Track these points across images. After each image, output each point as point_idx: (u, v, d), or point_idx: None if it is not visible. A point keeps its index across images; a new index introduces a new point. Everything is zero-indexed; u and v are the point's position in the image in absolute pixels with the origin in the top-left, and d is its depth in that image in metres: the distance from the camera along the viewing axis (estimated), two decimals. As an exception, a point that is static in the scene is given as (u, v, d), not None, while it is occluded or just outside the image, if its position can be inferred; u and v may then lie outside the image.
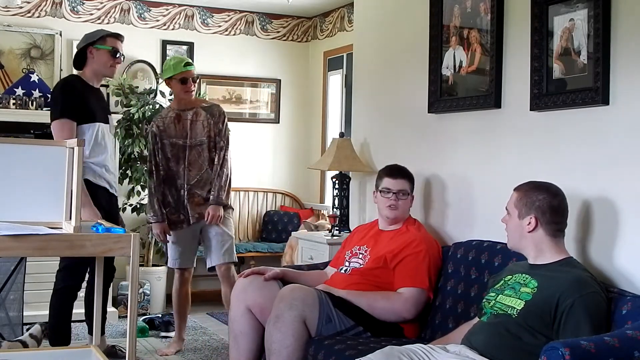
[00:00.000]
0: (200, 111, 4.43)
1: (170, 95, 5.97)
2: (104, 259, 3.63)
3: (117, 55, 3.92)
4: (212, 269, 4.52)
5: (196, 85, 4.46)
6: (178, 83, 4.38)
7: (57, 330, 3.86)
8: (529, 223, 2.67)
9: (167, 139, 4.40)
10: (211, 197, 4.38)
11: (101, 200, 3.81)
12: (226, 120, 4.49)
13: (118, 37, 3.98)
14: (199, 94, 6.38)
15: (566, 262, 2.64)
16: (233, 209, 4.70)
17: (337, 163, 4.37)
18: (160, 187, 4.41)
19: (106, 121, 3.96)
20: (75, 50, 5.86)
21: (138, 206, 5.88)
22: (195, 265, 4.64)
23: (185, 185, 4.39)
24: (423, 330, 3.33)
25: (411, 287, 3.25)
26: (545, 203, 2.66)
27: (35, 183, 2.64)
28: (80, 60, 3.95)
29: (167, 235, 4.43)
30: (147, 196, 4.55)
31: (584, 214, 2.89)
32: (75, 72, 4.15)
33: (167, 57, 6.36)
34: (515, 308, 2.56)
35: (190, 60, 4.48)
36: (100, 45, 3.89)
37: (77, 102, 3.80)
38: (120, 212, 4.88)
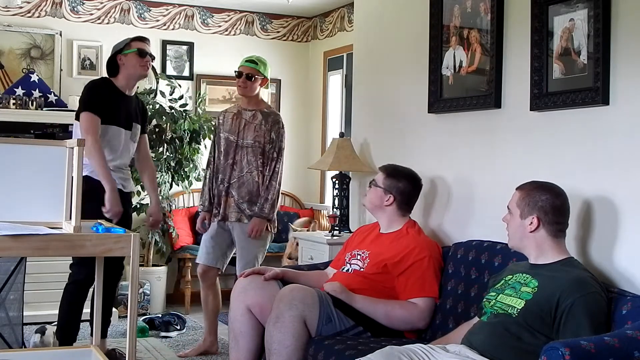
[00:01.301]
0: (258, 115, 4.42)
1: (171, 94, 6.00)
2: (112, 260, 3.64)
3: (145, 54, 4.02)
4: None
5: (248, 84, 4.39)
6: (236, 77, 4.44)
7: (65, 327, 3.88)
8: (531, 223, 2.66)
9: (223, 133, 4.44)
10: (256, 209, 4.33)
11: (101, 195, 3.82)
12: (282, 131, 4.42)
13: (143, 39, 4.09)
14: (199, 94, 6.39)
15: (567, 262, 2.64)
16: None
17: (337, 163, 4.37)
18: (210, 178, 4.48)
19: (128, 127, 4.02)
20: (75, 50, 6.00)
21: (138, 206, 5.87)
22: (211, 265, 4.48)
23: (225, 182, 4.39)
24: (423, 331, 3.33)
25: (423, 297, 3.26)
26: (548, 203, 2.66)
27: (35, 183, 2.64)
28: (113, 70, 4.06)
29: (204, 223, 4.45)
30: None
31: (584, 214, 2.89)
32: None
33: (167, 57, 6.41)
34: (515, 307, 2.56)
35: (253, 58, 4.46)
36: (127, 51, 4.01)
37: (99, 101, 3.89)
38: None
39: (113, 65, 4.06)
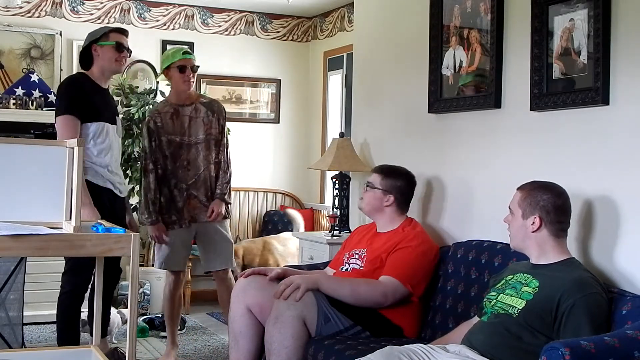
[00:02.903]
0: (200, 107, 4.22)
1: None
2: (110, 261, 3.62)
3: (122, 49, 3.82)
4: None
5: (195, 76, 4.22)
6: (176, 71, 4.13)
7: (65, 333, 3.83)
8: (533, 223, 2.66)
9: (165, 136, 4.14)
10: (217, 191, 4.19)
11: (105, 201, 3.75)
12: (225, 114, 4.31)
13: (121, 31, 3.88)
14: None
15: (568, 262, 2.64)
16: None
17: (337, 163, 4.37)
18: (155, 187, 4.15)
19: (113, 122, 3.87)
20: (75, 50, 6.00)
21: (138, 206, 5.86)
22: (185, 269, 4.42)
23: (182, 185, 4.18)
24: (423, 330, 3.33)
25: (391, 276, 3.23)
26: (550, 203, 2.66)
27: (35, 183, 2.63)
28: (86, 60, 3.87)
29: (165, 236, 4.16)
30: (142, 196, 4.20)
31: (585, 214, 2.89)
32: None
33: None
34: (516, 307, 2.56)
35: (189, 50, 4.23)
36: (103, 42, 3.80)
37: (82, 99, 3.72)
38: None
39: (87, 55, 3.84)
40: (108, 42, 3.80)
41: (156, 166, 4.17)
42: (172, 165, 4.18)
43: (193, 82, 4.21)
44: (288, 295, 3.10)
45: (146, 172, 4.17)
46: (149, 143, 4.17)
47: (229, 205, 4.33)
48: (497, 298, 2.67)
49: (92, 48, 3.82)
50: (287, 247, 5.96)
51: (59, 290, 3.87)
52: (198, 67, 4.24)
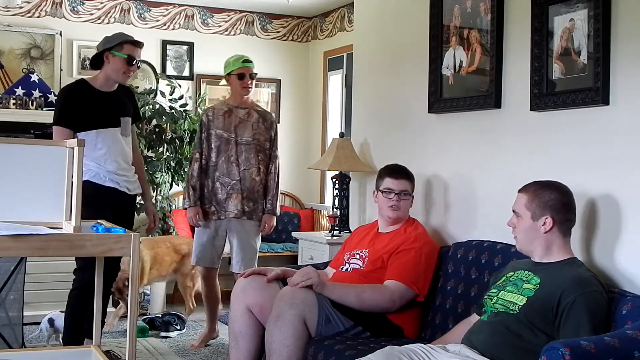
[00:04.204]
0: (253, 113, 4.50)
1: (171, 94, 6.01)
2: (110, 260, 3.61)
3: (133, 63, 3.86)
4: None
5: (253, 83, 4.51)
6: (236, 79, 4.45)
7: (72, 331, 3.85)
8: (544, 224, 2.65)
9: (214, 130, 4.44)
10: (268, 206, 4.45)
11: (108, 201, 3.75)
12: (277, 129, 4.57)
13: (137, 44, 3.91)
14: (199, 94, 6.40)
15: (570, 261, 2.64)
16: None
17: (337, 163, 4.38)
18: (198, 175, 4.44)
19: (116, 124, 3.87)
20: (75, 50, 6.00)
21: (138, 206, 5.86)
22: (216, 266, 4.60)
23: (226, 179, 4.40)
24: (423, 330, 3.33)
25: (397, 281, 3.24)
26: (558, 201, 2.66)
27: (35, 183, 2.63)
28: (97, 62, 3.90)
29: (200, 220, 4.42)
30: (185, 182, 4.54)
31: (585, 215, 2.89)
32: (85, 76, 3.99)
33: (167, 57, 6.41)
34: (516, 304, 2.56)
35: (249, 58, 4.52)
36: (116, 52, 3.82)
37: (74, 110, 3.76)
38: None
39: (99, 58, 3.86)
40: (120, 53, 3.83)
41: (201, 156, 4.46)
42: (216, 158, 4.44)
43: (251, 88, 4.51)
44: (297, 283, 3.14)
45: (192, 160, 4.51)
46: (199, 135, 4.51)
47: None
48: (498, 295, 2.67)
49: (104, 54, 3.85)
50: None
51: (59, 290, 3.88)
52: (256, 74, 4.55)
